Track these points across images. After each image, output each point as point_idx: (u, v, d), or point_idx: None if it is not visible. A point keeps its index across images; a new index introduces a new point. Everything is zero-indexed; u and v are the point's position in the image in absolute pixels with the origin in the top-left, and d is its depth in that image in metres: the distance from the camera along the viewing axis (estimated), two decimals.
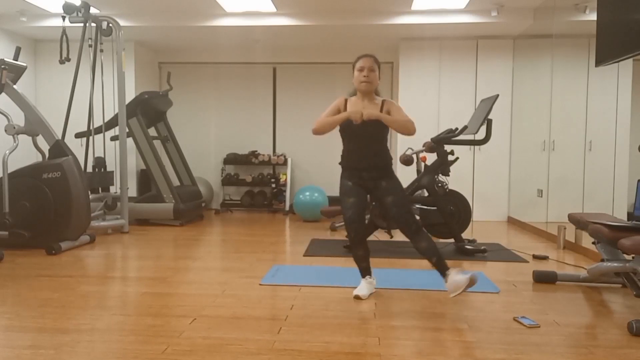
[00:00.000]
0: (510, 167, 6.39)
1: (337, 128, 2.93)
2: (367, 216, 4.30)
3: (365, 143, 2.91)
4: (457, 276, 2.71)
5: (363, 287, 2.98)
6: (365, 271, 3.03)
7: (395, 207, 2.86)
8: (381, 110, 2.88)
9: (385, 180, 2.91)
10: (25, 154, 6.21)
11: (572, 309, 2.76)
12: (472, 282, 2.66)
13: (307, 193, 6.25)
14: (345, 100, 2.97)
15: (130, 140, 5.83)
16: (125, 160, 5.28)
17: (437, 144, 4.35)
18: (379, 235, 4.97)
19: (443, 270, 2.79)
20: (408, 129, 2.83)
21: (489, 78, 6.34)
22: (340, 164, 3.04)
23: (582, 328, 2.46)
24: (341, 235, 5.16)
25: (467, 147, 6.34)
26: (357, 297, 2.91)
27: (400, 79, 6.43)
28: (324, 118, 2.89)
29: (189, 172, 6.47)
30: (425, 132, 6.33)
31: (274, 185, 7.08)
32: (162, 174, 5.70)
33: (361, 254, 3.00)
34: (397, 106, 2.94)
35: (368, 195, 3.00)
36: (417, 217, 3.85)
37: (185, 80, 7.42)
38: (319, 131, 2.87)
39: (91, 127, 5.30)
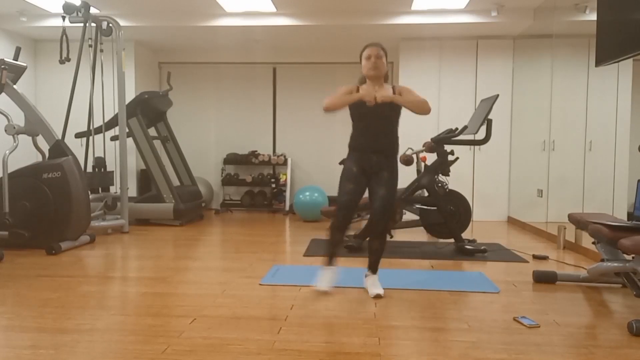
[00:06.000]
0: (510, 167, 6.39)
1: (348, 112, 2.98)
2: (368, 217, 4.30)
3: (378, 124, 2.95)
4: (372, 285, 2.99)
5: (328, 279, 2.94)
6: (333, 259, 3.01)
7: (381, 201, 2.92)
8: (393, 94, 2.93)
9: (388, 172, 2.97)
10: (25, 154, 6.21)
11: (572, 309, 2.76)
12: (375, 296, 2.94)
13: (307, 193, 6.24)
14: (357, 87, 2.99)
15: (130, 140, 5.83)
16: (125, 160, 5.28)
17: (437, 144, 4.35)
18: None
19: (372, 271, 3.07)
20: (423, 108, 2.89)
21: (489, 78, 6.34)
22: (349, 145, 3.04)
23: (582, 328, 2.46)
24: None
25: (467, 147, 6.34)
26: (323, 292, 2.91)
27: (400, 79, 6.42)
28: (338, 96, 2.90)
29: (189, 172, 6.47)
30: (426, 132, 6.34)
31: (274, 185, 7.08)
32: (162, 174, 5.70)
33: (339, 238, 2.99)
34: (407, 88, 2.99)
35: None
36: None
37: (185, 80, 7.42)
38: (330, 108, 2.89)
39: (91, 127, 5.30)
